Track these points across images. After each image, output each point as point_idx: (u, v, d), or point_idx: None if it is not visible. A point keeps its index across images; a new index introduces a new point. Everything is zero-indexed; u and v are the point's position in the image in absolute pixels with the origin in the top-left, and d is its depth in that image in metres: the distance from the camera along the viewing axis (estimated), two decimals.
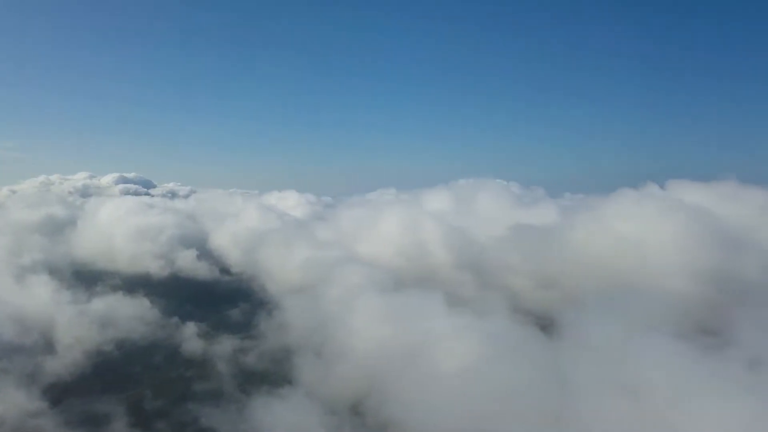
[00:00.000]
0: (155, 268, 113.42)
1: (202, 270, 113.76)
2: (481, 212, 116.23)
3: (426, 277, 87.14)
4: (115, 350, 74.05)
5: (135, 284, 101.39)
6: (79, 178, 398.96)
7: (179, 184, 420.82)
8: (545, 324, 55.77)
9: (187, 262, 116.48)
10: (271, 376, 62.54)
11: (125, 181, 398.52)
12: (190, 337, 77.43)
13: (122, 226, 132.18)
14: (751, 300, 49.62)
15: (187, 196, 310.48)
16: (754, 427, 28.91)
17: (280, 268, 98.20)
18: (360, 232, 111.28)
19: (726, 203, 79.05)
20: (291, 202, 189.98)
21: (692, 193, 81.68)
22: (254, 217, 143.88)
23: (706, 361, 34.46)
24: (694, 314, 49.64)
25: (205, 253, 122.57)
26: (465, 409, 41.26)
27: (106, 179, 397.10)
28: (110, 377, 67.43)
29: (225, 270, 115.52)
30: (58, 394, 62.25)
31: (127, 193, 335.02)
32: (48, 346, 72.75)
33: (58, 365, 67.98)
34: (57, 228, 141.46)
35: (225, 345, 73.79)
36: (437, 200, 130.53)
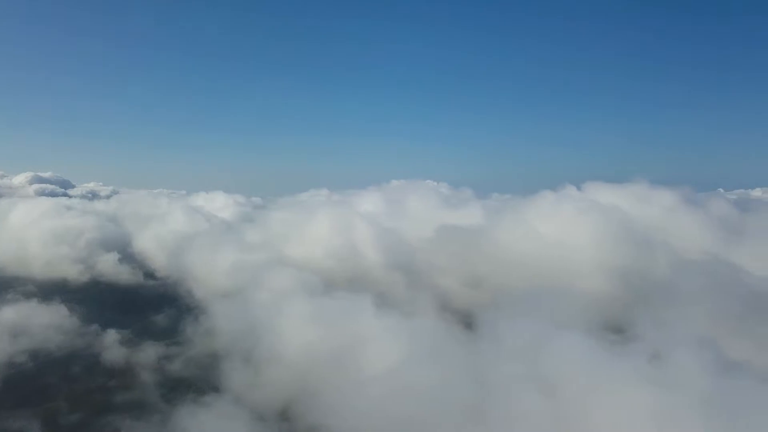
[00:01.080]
0: (73, 273, 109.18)
1: (124, 274, 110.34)
2: (411, 213, 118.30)
3: (357, 279, 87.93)
4: (28, 361, 70.08)
5: (51, 291, 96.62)
6: None
7: (100, 184, 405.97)
8: (471, 322, 57.40)
9: (108, 266, 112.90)
10: (198, 383, 61.14)
11: (40, 180, 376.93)
12: (111, 345, 74.36)
13: (37, 229, 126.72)
14: (656, 297, 53.23)
15: (108, 197, 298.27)
16: (656, 418, 31.20)
17: (208, 271, 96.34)
18: (290, 233, 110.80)
19: (637, 204, 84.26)
20: (219, 204, 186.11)
21: (607, 194, 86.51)
22: (180, 219, 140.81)
23: (614, 356, 36.78)
24: (606, 311, 52.73)
25: (127, 256, 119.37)
26: (392, 411, 41.97)
27: (19, 179, 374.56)
28: (24, 390, 63.76)
29: (149, 274, 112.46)
30: None
31: (42, 193, 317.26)
32: None
33: None
34: None
35: (149, 352, 71.41)
36: (369, 201, 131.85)
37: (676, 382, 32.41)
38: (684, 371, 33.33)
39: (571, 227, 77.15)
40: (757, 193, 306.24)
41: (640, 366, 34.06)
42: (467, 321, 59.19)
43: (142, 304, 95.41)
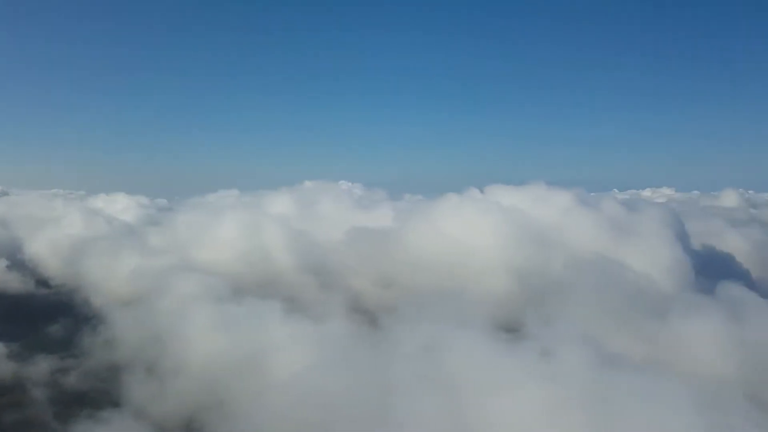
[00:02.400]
0: None
1: (13, 282, 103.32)
2: (323, 215, 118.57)
3: (267, 283, 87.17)
4: None
5: None
6: None
7: None
8: (380, 324, 58.73)
9: None
10: (95, 397, 58.29)
11: None
12: None
13: None
14: (548, 295, 56.82)
15: None
16: (545, 412, 33.58)
17: (107, 278, 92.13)
18: (197, 237, 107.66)
19: (535, 205, 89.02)
20: (120, 206, 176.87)
21: (507, 196, 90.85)
22: (77, 222, 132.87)
23: (508, 354, 39.09)
24: (503, 311, 55.61)
25: (17, 263, 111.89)
26: (299, 416, 42.26)
27: None
28: None
29: (42, 282, 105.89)
30: None
31: None
32: None
33: None
34: None
35: (41, 366, 67.17)
36: (280, 203, 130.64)
37: (562, 377, 34.98)
38: (570, 366, 36.03)
39: (474, 229, 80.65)
40: (647, 193, 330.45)
41: (531, 363, 36.48)
42: (377, 323, 60.44)
43: (34, 314, 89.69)
